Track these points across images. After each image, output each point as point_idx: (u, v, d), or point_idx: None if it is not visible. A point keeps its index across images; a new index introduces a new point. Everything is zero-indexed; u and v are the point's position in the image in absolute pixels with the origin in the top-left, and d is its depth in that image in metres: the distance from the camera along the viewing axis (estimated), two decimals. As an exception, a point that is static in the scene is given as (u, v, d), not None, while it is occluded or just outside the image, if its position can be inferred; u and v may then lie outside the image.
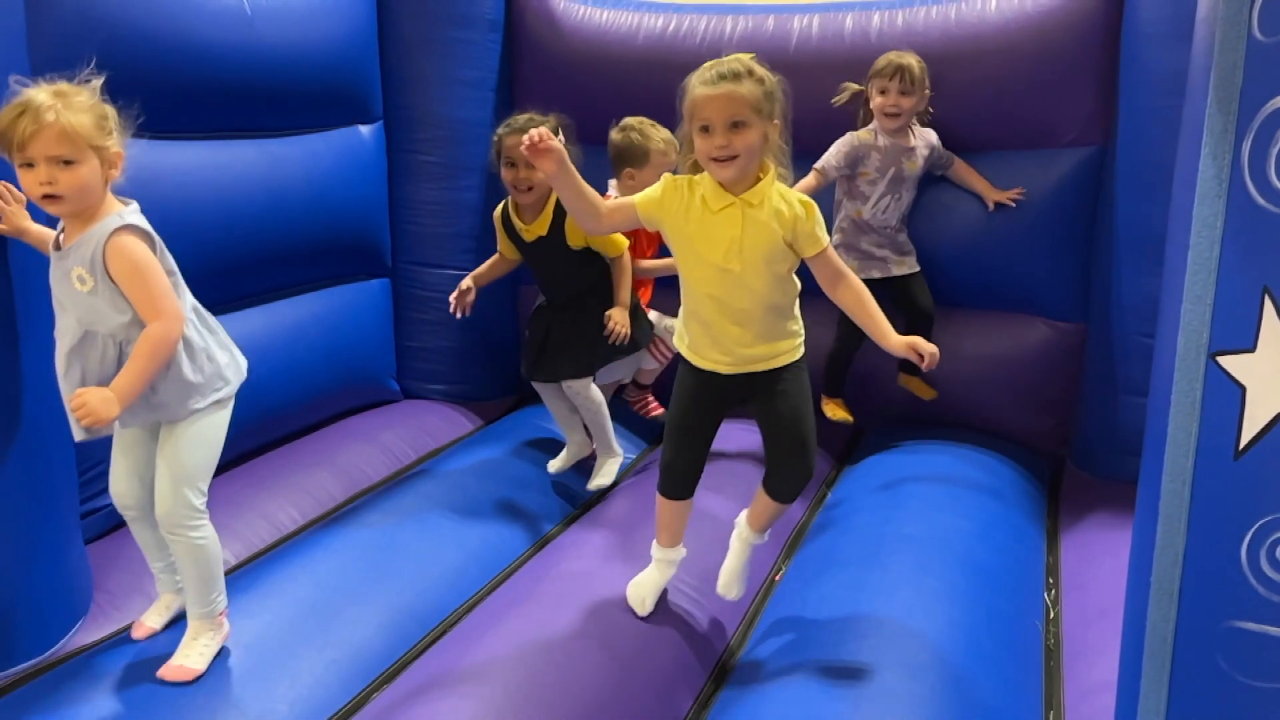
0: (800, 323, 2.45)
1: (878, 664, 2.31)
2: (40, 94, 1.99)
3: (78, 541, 2.56)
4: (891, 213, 3.67)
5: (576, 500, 3.40)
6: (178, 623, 2.33)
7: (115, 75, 2.75)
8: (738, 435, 3.51)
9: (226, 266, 3.32)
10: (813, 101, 3.52)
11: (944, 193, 3.82)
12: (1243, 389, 1.32)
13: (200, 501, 2.21)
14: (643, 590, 2.59)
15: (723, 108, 2.19)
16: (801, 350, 2.45)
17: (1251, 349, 1.31)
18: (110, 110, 2.10)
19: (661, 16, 4.01)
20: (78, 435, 2.08)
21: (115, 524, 2.78)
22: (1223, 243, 1.33)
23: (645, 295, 3.64)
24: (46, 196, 2.01)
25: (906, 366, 3.82)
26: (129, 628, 2.56)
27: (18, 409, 2.29)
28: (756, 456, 3.58)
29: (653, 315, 3.62)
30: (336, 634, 2.47)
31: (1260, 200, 1.30)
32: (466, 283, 3.38)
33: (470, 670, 2.30)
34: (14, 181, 2.17)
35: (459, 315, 3.39)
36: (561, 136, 2.30)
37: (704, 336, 2.40)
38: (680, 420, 2.49)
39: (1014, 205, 3.69)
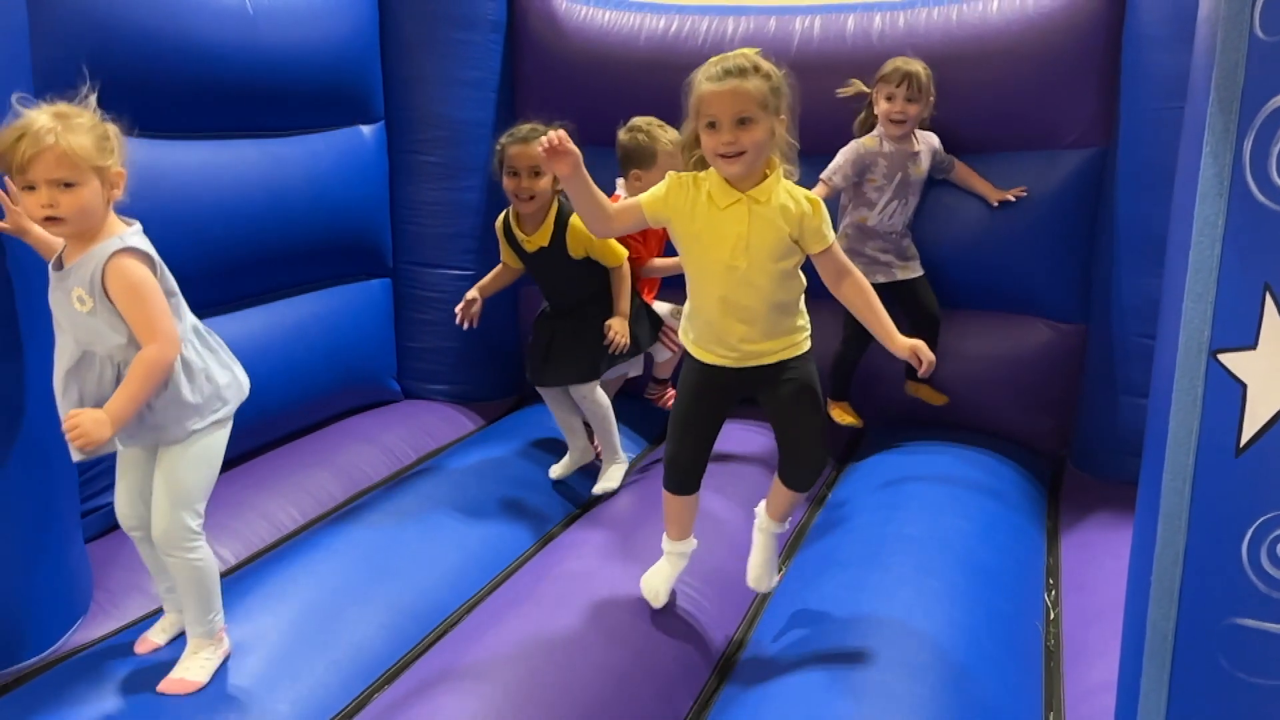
0: (806, 317, 2.46)
1: (878, 664, 2.31)
2: (41, 116, 1.99)
3: (78, 540, 2.56)
4: (898, 218, 3.68)
5: (577, 500, 3.40)
6: (182, 637, 2.33)
7: (117, 75, 2.77)
8: (739, 435, 3.51)
9: (228, 266, 3.32)
10: (814, 103, 3.51)
11: (945, 194, 3.82)
12: (1244, 386, 1.32)
13: (197, 523, 2.21)
14: (656, 583, 2.60)
15: (729, 104, 2.20)
16: (808, 344, 2.46)
17: (1253, 346, 1.32)
18: (112, 129, 2.09)
19: (663, 17, 4.01)
20: (74, 456, 2.08)
21: (115, 523, 2.78)
22: (1224, 240, 1.33)
23: (650, 294, 3.64)
24: (48, 219, 2.01)
25: (914, 375, 3.83)
26: (129, 626, 2.57)
27: (19, 408, 2.29)
28: (758, 457, 3.58)
29: (664, 308, 3.62)
30: (337, 634, 2.47)
31: (1261, 198, 1.30)
32: (472, 294, 3.39)
33: (471, 670, 2.30)
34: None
35: (466, 327, 3.40)
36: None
37: (709, 333, 2.40)
38: (684, 414, 2.49)
39: (1016, 204, 3.69)
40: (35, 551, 2.37)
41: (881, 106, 3.57)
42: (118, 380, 2.10)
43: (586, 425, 3.49)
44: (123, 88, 2.92)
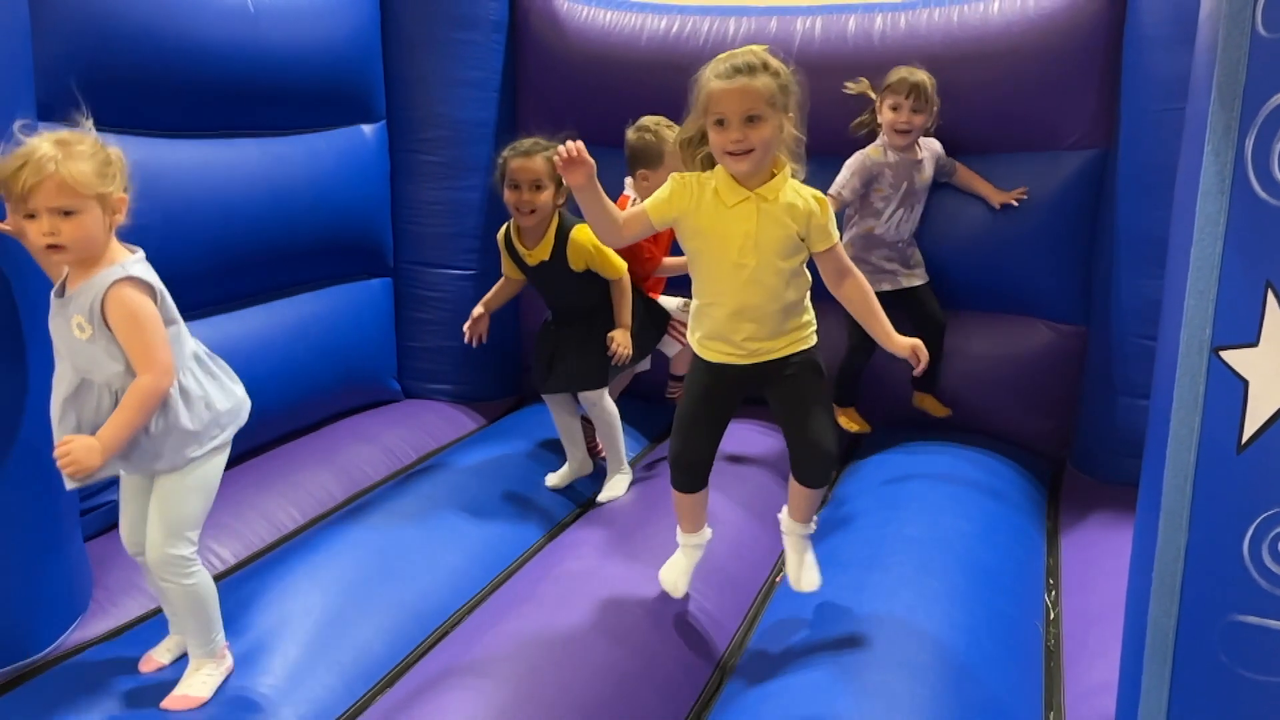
0: (811, 312, 2.46)
1: (879, 664, 2.31)
2: (42, 144, 1.98)
3: (77, 538, 2.56)
4: (905, 226, 3.68)
5: (579, 499, 3.39)
6: (186, 655, 2.33)
7: (119, 73, 2.77)
8: (742, 435, 3.51)
9: (228, 265, 3.32)
10: (814, 103, 3.51)
11: (945, 196, 3.82)
12: (1245, 383, 1.32)
13: (190, 550, 2.20)
14: (674, 574, 2.61)
15: (738, 101, 2.20)
16: (814, 339, 2.46)
17: (1254, 343, 1.32)
18: (114, 154, 2.09)
19: (665, 18, 4.01)
20: (67, 484, 2.08)
21: (114, 522, 2.78)
22: (1226, 238, 1.34)
23: (656, 292, 3.64)
24: (50, 247, 2.01)
25: (920, 385, 3.83)
26: (129, 624, 2.56)
27: (19, 408, 2.29)
28: (760, 457, 3.58)
29: (672, 302, 3.61)
30: (338, 635, 2.46)
31: (1263, 195, 1.30)
32: (478, 310, 3.38)
33: (473, 670, 2.29)
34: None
35: (474, 344, 3.39)
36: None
37: (716, 331, 2.41)
38: (690, 413, 2.49)
39: (1017, 206, 3.70)
40: (35, 550, 2.37)
41: (887, 116, 3.57)
42: (115, 408, 2.09)
43: (587, 429, 3.49)
44: (124, 86, 2.94)
